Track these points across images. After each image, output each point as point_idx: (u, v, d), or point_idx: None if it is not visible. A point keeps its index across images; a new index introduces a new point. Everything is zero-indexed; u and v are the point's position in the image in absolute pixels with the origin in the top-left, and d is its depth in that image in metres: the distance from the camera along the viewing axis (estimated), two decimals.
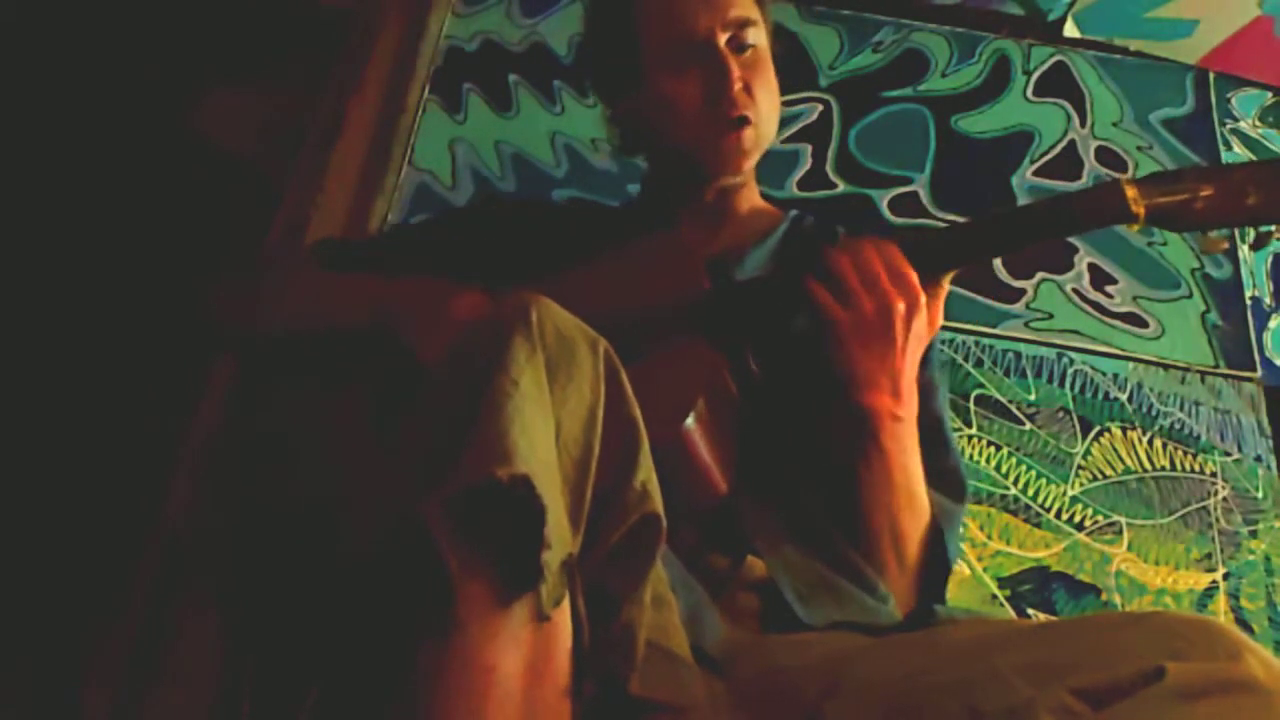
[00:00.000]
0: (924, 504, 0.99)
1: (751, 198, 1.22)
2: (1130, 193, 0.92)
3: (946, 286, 1.01)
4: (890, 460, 0.96)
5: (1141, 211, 0.92)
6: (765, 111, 1.12)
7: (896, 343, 0.94)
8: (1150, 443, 1.69)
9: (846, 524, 0.97)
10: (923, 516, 0.99)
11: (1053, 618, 1.51)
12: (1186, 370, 1.75)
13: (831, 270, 0.96)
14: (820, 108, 1.98)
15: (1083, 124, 1.98)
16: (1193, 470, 1.67)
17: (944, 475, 1.05)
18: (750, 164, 1.13)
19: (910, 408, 0.97)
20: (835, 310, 0.95)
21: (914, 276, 0.95)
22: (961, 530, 1.57)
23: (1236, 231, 1.71)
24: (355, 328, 1.01)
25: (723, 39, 1.10)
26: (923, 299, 0.95)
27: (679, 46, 1.11)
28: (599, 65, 1.25)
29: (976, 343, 1.75)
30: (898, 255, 0.95)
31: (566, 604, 0.62)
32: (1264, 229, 0.96)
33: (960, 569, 1.55)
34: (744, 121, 1.09)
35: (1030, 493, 1.64)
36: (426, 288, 1.01)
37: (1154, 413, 1.71)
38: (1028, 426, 1.69)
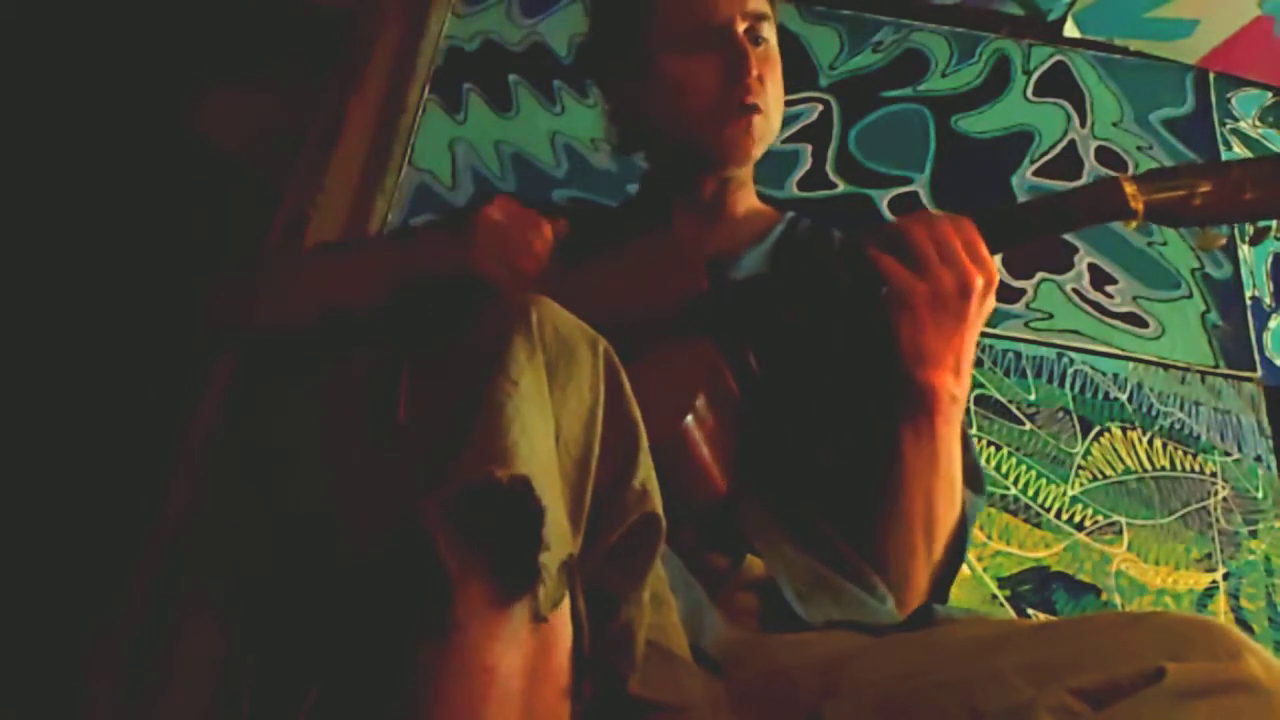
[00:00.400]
0: (959, 496, 0.97)
1: (749, 198, 1.22)
2: (1129, 189, 0.92)
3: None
4: (939, 442, 0.94)
5: (1140, 208, 0.92)
6: (774, 105, 1.13)
7: (968, 320, 0.92)
8: (1150, 443, 1.69)
9: (875, 509, 0.96)
10: (956, 508, 0.97)
11: (1053, 618, 1.51)
12: (1186, 370, 1.75)
13: (908, 240, 0.93)
14: (820, 108, 1.98)
15: (1083, 124, 1.98)
16: (1193, 470, 1.67)
17: (969, 468, 1.04)
18: (755, 154, 1.13)
19: (965, 391, 0.95)
20: (910, 281, 0.91)
21: (989, 256, 0.92)
22: None
23: (1236, 229, 1.71)
24: (381, 294, 1.00)
25: (741, 28, 1.11)
26: (996, 280, 0.93)
27: (696, 31, 1.11)
28: (604, 50, 1.24)
29: (976, 343, 1.75)
30: (976, 234, 0.93)
31: (566, 604, 0.62)
32: (1262, 224, 0.96)
33: (960, 569, 1.55)
34: (755, 109, 1.10)
35: (1030, 493, 1.64)
36: (446, 228, 1.01)
37: (1154, 413, 1.72)
38: (1028, 426, 1.69)
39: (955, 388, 0.94)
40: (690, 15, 1.11)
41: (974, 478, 1.05)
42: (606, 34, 1.23)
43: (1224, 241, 0.97)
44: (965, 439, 1.06)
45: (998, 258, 1.82)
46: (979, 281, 0.92)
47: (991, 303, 0.94)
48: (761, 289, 1.04)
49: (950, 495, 0.96)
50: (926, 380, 0.93)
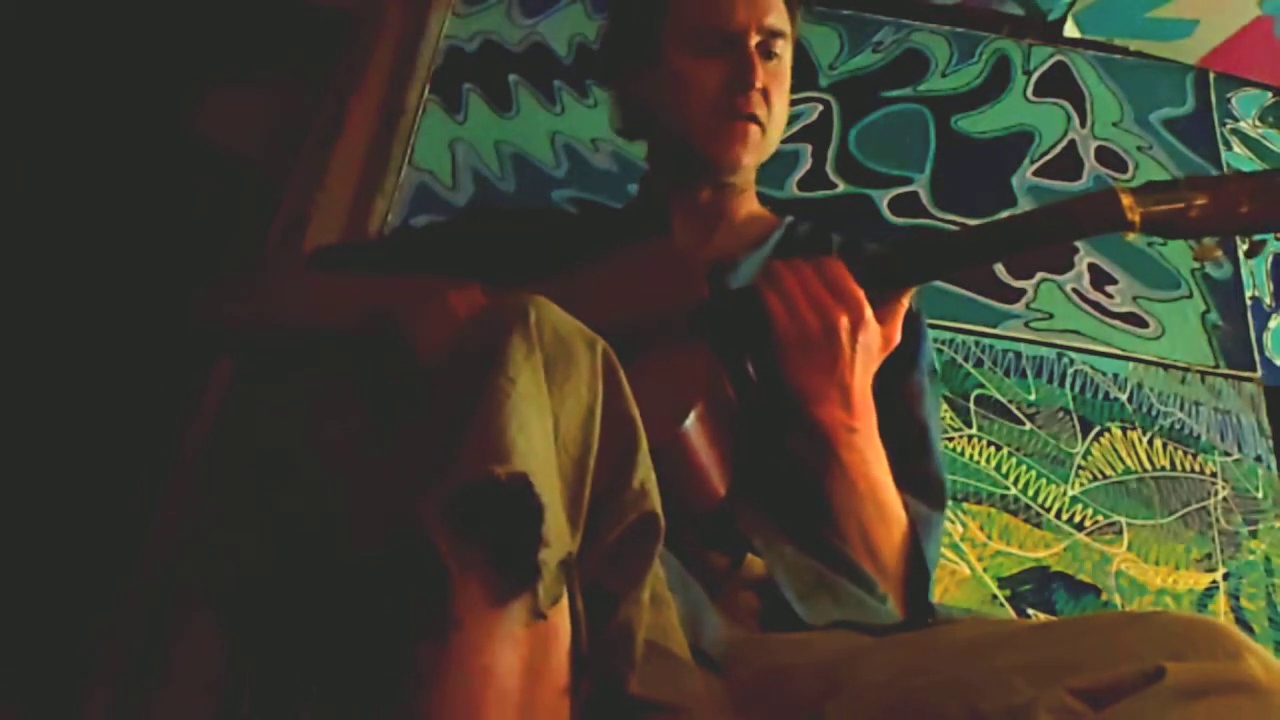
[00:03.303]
0: (896, 514, 0.99)
1: (749, 203, 1.22)
2: (1126, 200, 0.92)
3: (901, 307, 1.00)
4: (851, 471, 0.96)
5: (1137, 219, 0.92)
6: (775, 121, 1.13)
7: (843, 357, 0.94)
8: (1150, 443, 1.69)
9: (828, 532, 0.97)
10: (896, 526, 0.98)
11: (1053, 618, 1.51)
12: (1186, 370, 1.75)
13: (779, 284, 0.96)
14: (820, 108, 1.98)
15: (1083, 124, 1.98)
16: (1193, 470, 1.67)
17: (923, 481, 1.05)
18: (747, 164, 1.13)
19: (865, 420, 0.97)
20: (784, 323, 0.95)
21: (858, 291, 0.95)
22: (961, 530, 1.57)
23: (1235, 238, 1.71)
24: (349, 329, 1.01)
25: (754, 40, 1.11)
26: (868, 313, 0.95)
27: (710, 33, 1.12)
28: (620, 34, 1.24)
29: (976, 343, 1.75)
30: (841, 271, 0.95)
31: (565, 603, 0.62)
32: (1258, 238, 0.97)
33: (960, 569, 1.55)
34: (753, 119, 1.10)
35: (1030, 493, 1.64)
36: (422, 286, 1.00)
37: (1154, 413, 1.71)
38: (1028, 426, 1.69)
39: (849, 420, 0.96)
40: (707, 16, 1.12)
41: (931, 492, 1.05)
42: (625, 18, 1.23)
43: (1220, 254, 0.98)
44: (925, 453, 1.07)
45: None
46: (843, 320, 0.94)
47: (874, 335, 0.96)
48: (756, 297, 1.04)
49: (882, 516, 0.98)
50: (814, 416, 0.96)
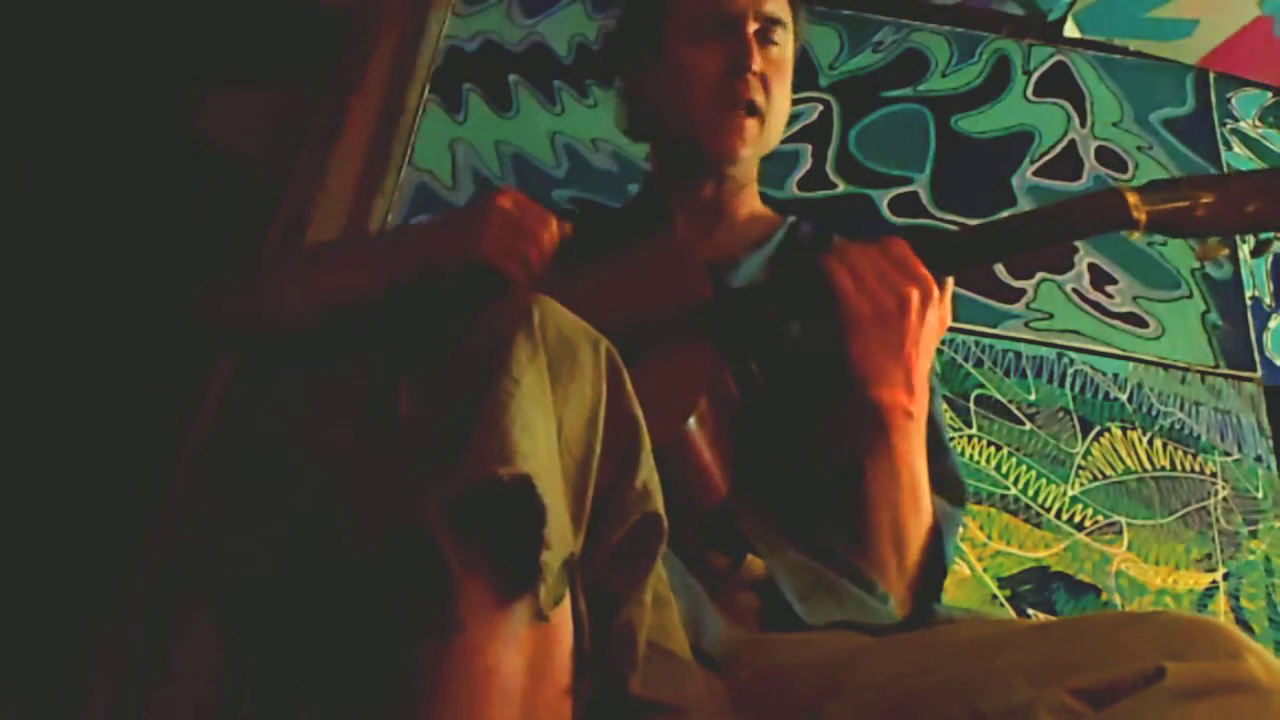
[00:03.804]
0: (928, 506, 0.98)
1: (750, 201, 1.22)
2: (1131, 199, 0.92)
3: (950, 290, 1.00)
4: (898, 458, 0.95)
5: (1143, 218, 0.92)
6: (776, 110, 1.13)
7: (910, 334, 0.93)
8: (1150, 443, 1.69)
9: (847, 523, 0.97)
10: (926, 519, 0.98)
11: (1052, 618, 1.51)
12: (1186, 370, 1.75)
13: (846, 260, 0.95)
14: (820, 108, 1.98)
15: (1083, 124, 1.98)
16: (1193, 470, 1.67)
17: (944, 479, 1.04)
18: (744, 156, 1.13)
19: (922, 405, 0.96)
20: (857, 300, 0.93)
21: (924, 270, 0.94)
22: (961, 530, 1.57)
23: (1236, 237, 1.71)
24: (381, 289, 1.00)
25: (752, 26, 1.11)
26: (935, 291, 0.94)
27: (708, 20, 1.12)
28: (626, 32, 1.25)
29: (976, 343, 1.75)
30: (907, 250, 0.95)
31: (567, 604, 0.62)
32: (1263, 237, 0.96)
33: (960, 569, 1.55)
34: (752, 108, 1.10)
35: (1030, 493, 1.64)
36: (455, 214, 1.01)
37: (1154, 413, 1.72)
38: (1028, 426, 1.69)
39: (909, 404, 0.95)
40: (706, 4, 1.12)
41: (952, 489, 1.05)
42: (628, 17, 1.24)
43: (1226, 252, 0.97)
44: (944, 451, 1.06)
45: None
46: (915, 295, 0.93)
47: (937, 316, 0.95)
48: (760, 296, 1.03)
49: (916, 509, 0.97)
50: (879, 398, 0.94)
